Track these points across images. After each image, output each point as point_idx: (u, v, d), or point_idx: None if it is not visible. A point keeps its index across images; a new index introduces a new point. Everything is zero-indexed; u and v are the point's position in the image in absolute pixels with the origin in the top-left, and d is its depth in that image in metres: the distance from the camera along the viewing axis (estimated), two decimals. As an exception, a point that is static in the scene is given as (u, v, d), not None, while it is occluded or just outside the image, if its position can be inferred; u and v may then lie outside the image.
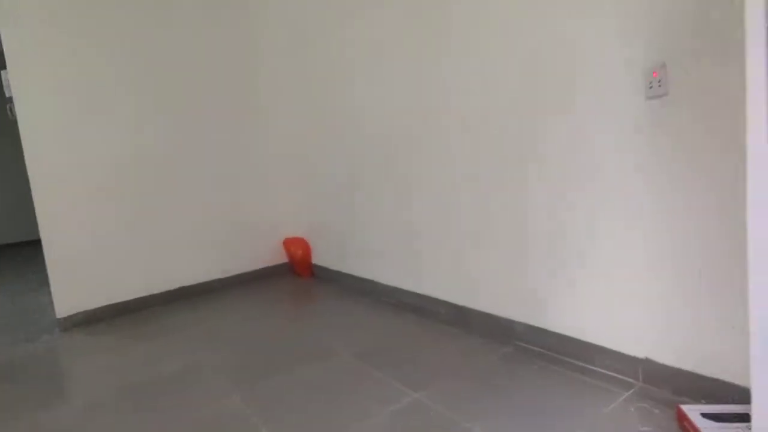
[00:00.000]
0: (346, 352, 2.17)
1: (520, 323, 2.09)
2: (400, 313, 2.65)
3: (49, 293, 2.89)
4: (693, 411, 1.36)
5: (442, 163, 2.36)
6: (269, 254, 3.67)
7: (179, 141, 3.24)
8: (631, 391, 1.61)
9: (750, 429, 1.15)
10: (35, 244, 5.94)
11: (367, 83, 2.74)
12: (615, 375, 1.71)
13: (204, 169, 3.35)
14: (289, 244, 3.63)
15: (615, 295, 1.70)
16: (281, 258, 3.73)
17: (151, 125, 3.13)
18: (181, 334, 2.63)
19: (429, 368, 1.95)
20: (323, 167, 3.29)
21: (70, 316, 2.88)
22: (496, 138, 2.07)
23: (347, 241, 3.19)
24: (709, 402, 1.45)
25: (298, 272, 3.65)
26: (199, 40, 3.30)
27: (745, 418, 1.30)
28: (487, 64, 2.05)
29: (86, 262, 2.93)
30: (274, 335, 2.49)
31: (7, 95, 2.93)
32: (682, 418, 1.37)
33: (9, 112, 2.93)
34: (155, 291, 3.18)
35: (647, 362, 1.62)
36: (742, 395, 1.37)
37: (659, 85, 1.48)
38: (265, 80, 3.60)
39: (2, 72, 2.87)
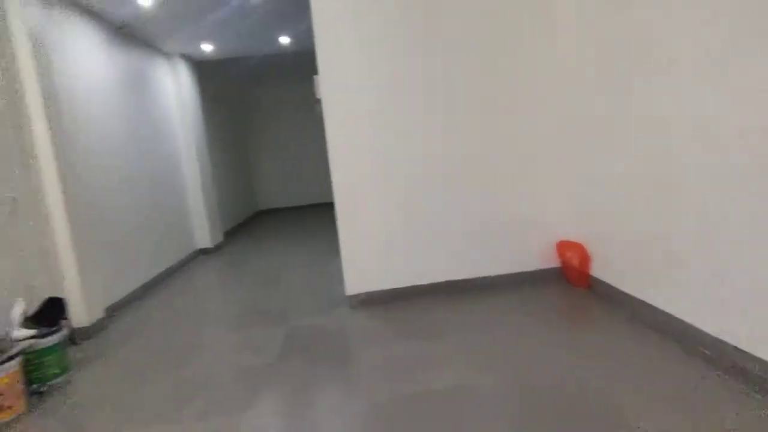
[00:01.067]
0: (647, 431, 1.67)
1: None
2: (720, 377, 1.92)
3: (338, 262, 3.30)
4: None
5: None
6: (540, 256, 3.31)
7: (458, 141, 3.17)
8: None
9: None
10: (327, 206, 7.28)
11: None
12: None
13: (478, 166, 3.20)
14: (563, 248, 3.18)
15: None
16: (552, 261, 3.32)
17: (434, 130, 3.15)
18: (451, 338, 2.59)
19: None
20: (610, 163, 2.66)
21: (356, 295, 3.25)
22: None
23: (638, 256, 2.53)
24: None
25: (571, 281, 3.18)
26: (494, 33, 3.07)
27: None
28: None
29: (371, 250, 3.21)
30: (548, 370, 2.16)
31: (316, 96, 3.38)
32: None
33: (317, 111, 3.38)
34: (424, 282, 3.27)
35: None
36: None
37: None
38: (547, 62, 3.12)
39: (315, 77, 3.30)
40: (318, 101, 3.39)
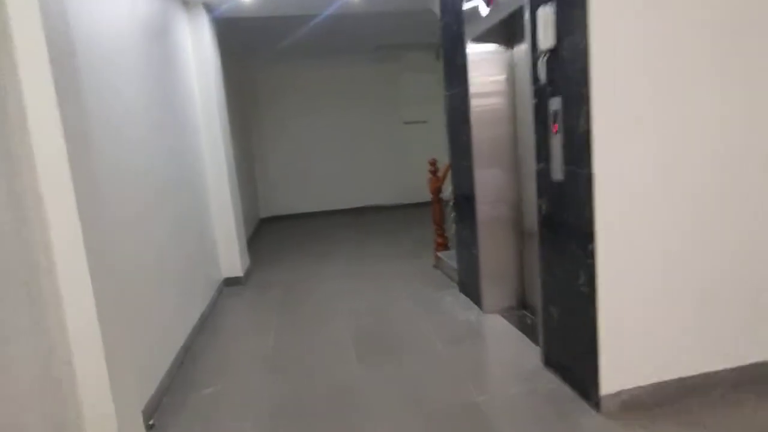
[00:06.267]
0: None
1: None
2: None
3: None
4: None
5: None
6: None
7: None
8: None
9: None
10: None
11: None
12: None
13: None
14: None
15: None
16: None
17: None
18: None
19: None
20: None
21: (616, 393, 1.90)
22: None
23: None
24: None
25: None
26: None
27: None
28: None
29: (647, 317, 1.88)
30: None
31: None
32: None
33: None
34: (717, 368, 1.98)
35: None
36: None
37: None
38: None
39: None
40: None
